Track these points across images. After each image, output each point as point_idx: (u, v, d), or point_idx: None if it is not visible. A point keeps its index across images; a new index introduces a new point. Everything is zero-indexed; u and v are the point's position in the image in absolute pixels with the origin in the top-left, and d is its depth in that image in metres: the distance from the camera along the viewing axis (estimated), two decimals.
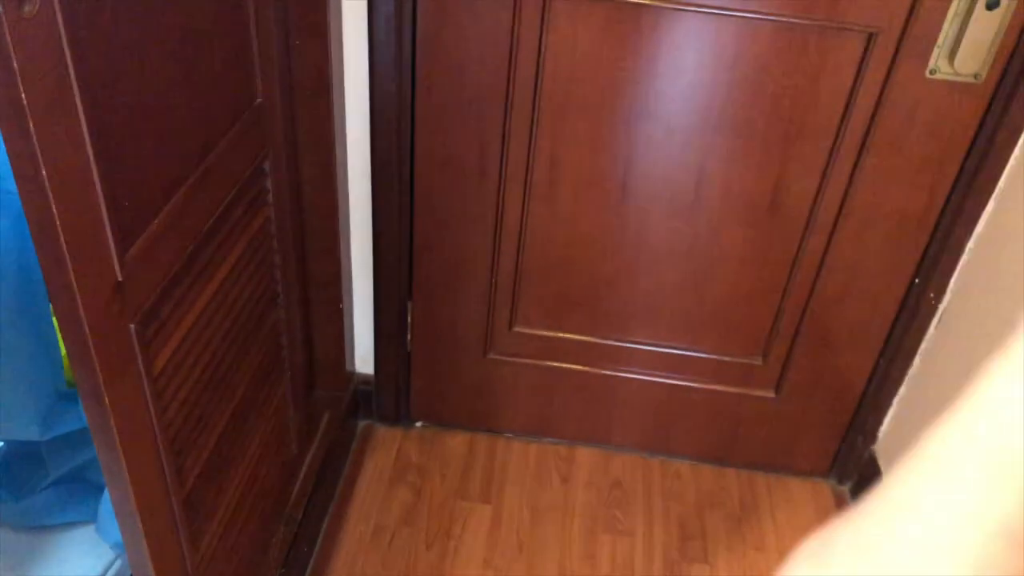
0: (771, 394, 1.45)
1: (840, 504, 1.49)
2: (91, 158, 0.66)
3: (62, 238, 0.65)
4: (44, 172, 0.61)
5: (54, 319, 1.14)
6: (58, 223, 0.64)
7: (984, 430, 0.12)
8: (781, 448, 1.51)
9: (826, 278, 1.30)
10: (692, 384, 1.45)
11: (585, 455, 1.52)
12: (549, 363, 1.43)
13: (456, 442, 1.52)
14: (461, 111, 1.19)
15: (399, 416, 1.54)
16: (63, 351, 1.15)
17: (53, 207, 0.63)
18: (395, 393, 1.51)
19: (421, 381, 1.50)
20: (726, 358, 1.43)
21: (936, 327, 1.30)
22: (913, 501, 0.12)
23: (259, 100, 0.97)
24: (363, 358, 1.48)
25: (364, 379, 1.50)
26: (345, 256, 1.33)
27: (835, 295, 1.32)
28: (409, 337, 1.45)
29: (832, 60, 1.10)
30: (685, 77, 1.14)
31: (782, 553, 1.39)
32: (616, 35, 1.11)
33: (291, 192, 1.13)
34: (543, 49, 1.13)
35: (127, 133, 0.71)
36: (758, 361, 1.42)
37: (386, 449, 1.50)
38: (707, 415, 1.49)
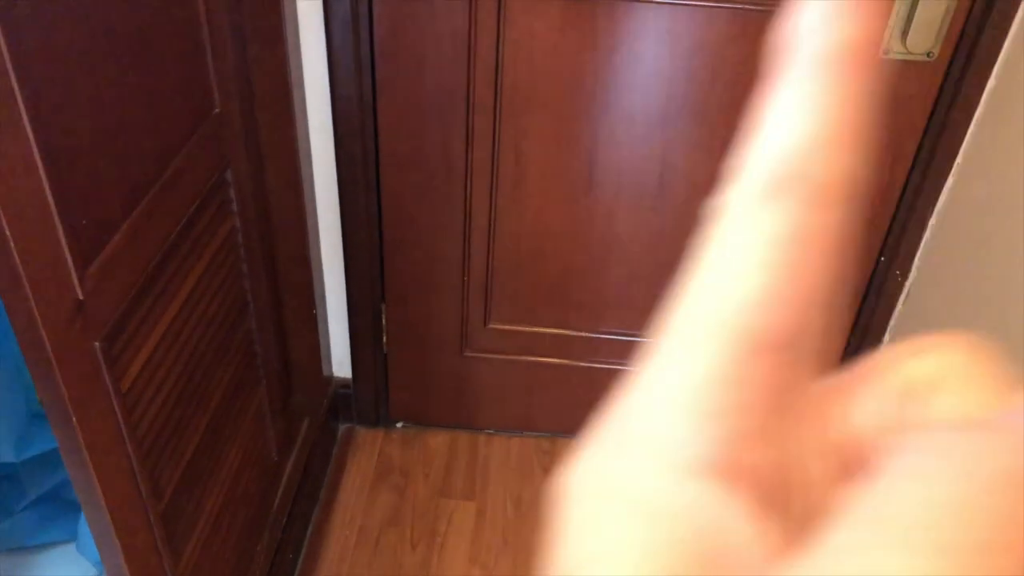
0: None
1: None
2: (43, 177, 0.66)
3: (17, 259, 0.65)
4: None
5: None
6: (12, 244, 0.64)
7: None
8: None
9: None
10: None
11: (567, 448, 1.53)
12: (526, 358, 1.43)
13: (438, 441, 1.52)
14: (423, 111, 1.19)
15: (379, 418, 1.54)
16: None
17: (6, 228, 0.63)
18: (374, 395, 1.51)
19: (399, 382, 1.50)
20: None
21: (904, 304, 1.32)
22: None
23: (217, 110, 0.97)
24: (340, 362, 1.48)
25: (343, 383, 1.50)
26: (316, 262, 1.33)
27: None
28: (385, 339, 1.45)
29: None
30: (644, 68, 1.15)
31: None
32: (574, 29, 1.12)
33: (256, 201, 1.13)
34: (501, 46, 1.14)
35: (80, 150, 0.71)
36: None
37: (368, 451, 1.50)
38: None
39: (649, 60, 1.14)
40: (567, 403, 1.50)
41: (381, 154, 1.24)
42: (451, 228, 1.31)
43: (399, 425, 1.55)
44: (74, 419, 0.75)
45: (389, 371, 1.49)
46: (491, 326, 1.42)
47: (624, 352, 1.45)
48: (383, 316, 1.42)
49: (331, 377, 1.49)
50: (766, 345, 0.13)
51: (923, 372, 0.13)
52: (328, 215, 1.30)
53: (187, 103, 0.91)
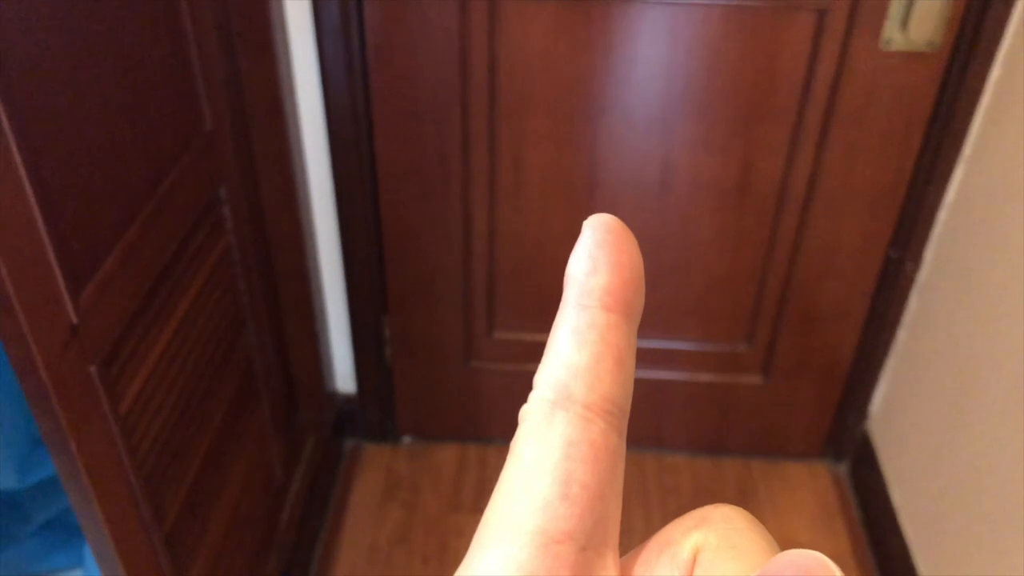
0: (759, 379, 1.44)
1: (837, 484, 1.49)
2: (32, 201, 0.64)
3: (9, 286, 0.63)
4: None
5: None
6: (3, 271, 0.62)
7: None
8: (774, 432, 1.50)
9: (802, 258, 1.29)
10: (678, 376, 1.44)
11: None
12: (532, 366, 1.41)
13: (446, 454, 1.50)
14: (418, 119, 1.18)
15: (386, 432, 1.52)
16: None
17: (8, 251, 0.61)
18: (380, 410, 1.49)
19: (405, 395, 1.49)
20: (710, 347, 1.42)
21: (916, 298, 1.30)
22: None
23: (208, 127, 0.95)
24: (344, 377, 1.46)
25: (347, 398, 1.48)
26: (315, 275, 1.32)
27: (813, 274, 1.31)
28: (389, 352, 1.43)
29: (786, 40, 1.10)
30: (641, 68, 1.13)
31: (783, 537, 1.38)
32: (568, 30, 1.10)
33: (252, 217, 1.12)
34: (495, 50, 1.12)
35: (69, 173, 0.70)
36: (742, 347, 1.41)
37: (375, 467, 1.48)
38: (696, 406, 1.48)
39: (647, 59, 1.13)
40: None
41: (378, 163, 1.22)
42: (451, 236, 1.29)
43: (406, 439, 1.53)
44: (72, 445, 0.73)
45: (394, 384, 1.47)
46: (495, 335, 1.40)
47: None
48: (386, 328, 1.41)
49: (335, 393, 1.47)
50: (559, 539, 0.16)
51: (705, 541, 0.16)
52: (325, 227, 1.29)
53: (177, 121, 0.89)
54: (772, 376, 1.43)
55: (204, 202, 0.94)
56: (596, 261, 0.17)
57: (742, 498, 1.45)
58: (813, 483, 1.49)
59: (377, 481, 1.45)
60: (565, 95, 1.16)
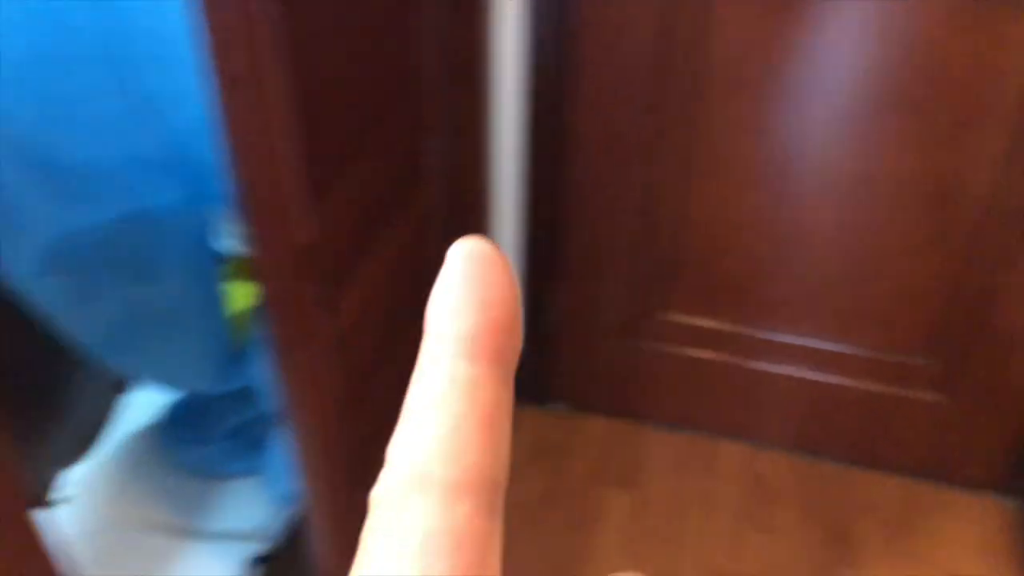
0: (935, 397, 1.37)
1: (1007, 523, 1.39)
2: (294, 125, 0.70)
3: (256, 200, 0.69)
4: (255, 137, 0.65)
5: (225, 282, 1.22)
6: (253, 188, 0.68)
7: None
8: (945, 456, 1.42)
9: (1008, 278, 1.21)
10: (845, 381, 1.39)
11: (729, 450, 1.48)
12: (695, 351, 1.40)
13: (596, 426, 1.51)
14: (619, 95, 1.18)
15: (538, 396, 1.55)
16: (235, 311, 1.22)
17: (254, 171, 0.67)
18: (535, 372, 1.52)
19: (563, 362, 1.51)
20: (885, 356, 1.35)
21: None
22: None
23: (418, 75, 1.00)
24: None
25: None
26: (495, 235, 1.35)
27: (1018, 293, 1.22)
28: (554, 317, 1.45)
29: (1014, 37, 1.02)
30: (850, 60, 1.09)
31: (940, 568, 1.31)
32: (780, 13, 1.08)
33: (449, 170, 1.16)
34: (704, 28, 1.11)
35: (321, 103, 0.75)
36: (921, 360, 1.34)
37: (523, 428, 1.51)
38: (862, 415, 1.42)
39: (857, 52, 1.08)
40: (734, 404, 1.46)
41: (573, 133, 1.24)
42: (635, 210, 1.29)
43: (557, 405, 1.55)
44: (292, 356, 0.80)
45: (554, 350, 1.50)
46: (663, 316, 1.40)
47: (802, 357, 1.39)
48: (555, 294, 1.43)
49: None
50: None
51: None
52: (507, 188, 1.31)
53: (397, 69, 0.94)
54: (951, 396, 1.35)
55: (412, 149, 0.99)
56: (458, 300, 0.15)
57: (898, 519, 1.38)
58: (980, 517, 1.40)
59: (525, 441, 1.48)
60: (770, 78, 1.13)
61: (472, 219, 1.29)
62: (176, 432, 1.24)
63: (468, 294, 0.14)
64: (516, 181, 1.31)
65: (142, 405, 1.27)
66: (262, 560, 1.19)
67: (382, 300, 0.95)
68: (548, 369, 1.52)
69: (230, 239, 1.23)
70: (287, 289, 0.76)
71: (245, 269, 1.25)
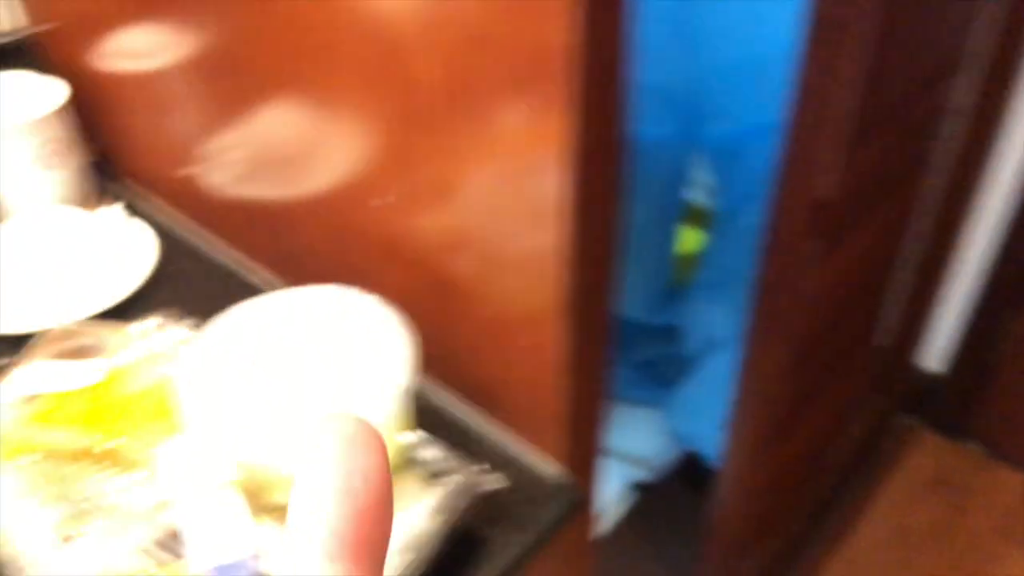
0: None
1: None
2: (859, 75, 0.70)
3: (798, 143, 0.71)
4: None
5: (679, 224, 1.28)
6: (801, 130, 0.70)
7: None
8: None
9: None
10: None
11: None
12: None
13: (1011, 478, 1.35)
14: None
15: (952, 428, 1.41)
16: (681, 253, 1.29)
17: (808, 115, 0.69)
18: (960, 405, 1.38)
19: (993, 401, 1.35)
20: None
21: None
22: None
23: (954, 59, 0.94)
24: (935, 356, 1.38)
25: (926, 376, 1.40)
26: (963, 240, 1.24)
27: None
28: (1000, 347, 1.31)
29: None
30: None
31: None
32: None
33: (953, 159, 1.09)
34: None
35: (883, 65, 0.74)
36: None
37: (928, 456, 1.39)
38: None
39: None
40: None
41: None
42: None
43: (972, 445, 1.41)
44: (778, 302, 0.82)
45: (985, 385, 1.35)
46: None
47: None
48: (1010, 323, 1.28)
49: (915, 367, 1.40)
50: None
51: None
52: (999, 193, 1.19)
53: (936, 48, 0.89)
54: None
55: (928, 131, 0.94)
56: (320, 490, 0.13)
57: None
58: None
59: (926, 470, 1.37)
60: None
61: (954, 214, 1.19)
62: None
63: (333, 481, 0.13)
64: (1012, 188, 1.19)
65: None
66: (644, 488, 1.26)
67: (856, 269, 0.94)
68: (972, 402, 1.38)
69: (693, 186, 1.28)
70: (792, 238, 0.78)
71: (700, 216, 1.30)
